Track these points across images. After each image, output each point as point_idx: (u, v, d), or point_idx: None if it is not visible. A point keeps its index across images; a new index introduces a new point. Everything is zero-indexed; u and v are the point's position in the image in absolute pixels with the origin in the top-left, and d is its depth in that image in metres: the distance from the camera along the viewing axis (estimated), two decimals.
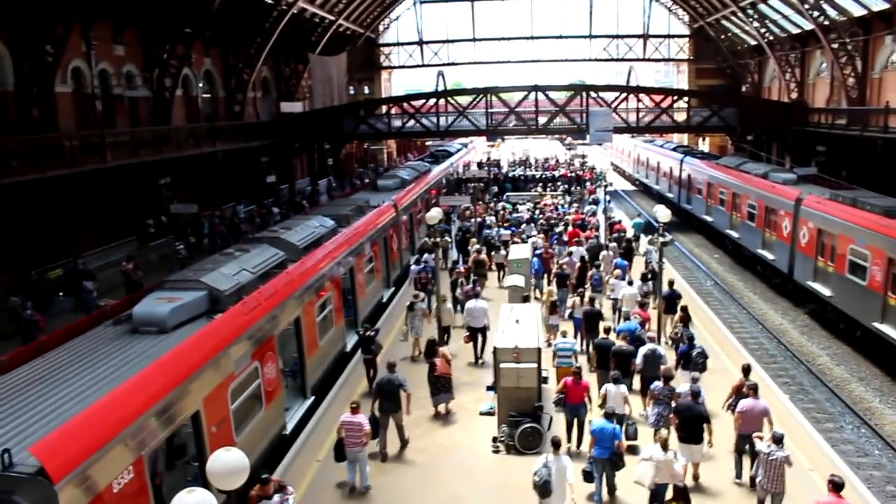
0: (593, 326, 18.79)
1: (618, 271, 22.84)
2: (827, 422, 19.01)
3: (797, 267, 28.15)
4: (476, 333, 19.47)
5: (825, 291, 25.41)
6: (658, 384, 14.14)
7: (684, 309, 19.16)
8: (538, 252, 25.69)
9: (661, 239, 19.13)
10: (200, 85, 41.13)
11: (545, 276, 25.33)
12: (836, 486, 10.00)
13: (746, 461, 13.07)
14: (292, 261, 17.37)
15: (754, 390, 13.06)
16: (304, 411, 16.30)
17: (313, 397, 16.95)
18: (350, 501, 13.03)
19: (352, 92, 64.24)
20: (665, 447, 11.48)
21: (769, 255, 31.17)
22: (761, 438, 11.76)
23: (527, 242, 28.34)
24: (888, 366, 21.89)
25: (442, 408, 16.48)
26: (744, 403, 12.87)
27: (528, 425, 14.32)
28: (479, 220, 35.38)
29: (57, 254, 26.98)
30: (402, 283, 27.83)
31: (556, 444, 11.60)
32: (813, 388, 21.24)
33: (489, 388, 16.23)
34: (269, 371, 14.32)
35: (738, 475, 13.21)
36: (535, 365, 14.64)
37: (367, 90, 68.35)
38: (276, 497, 10.33)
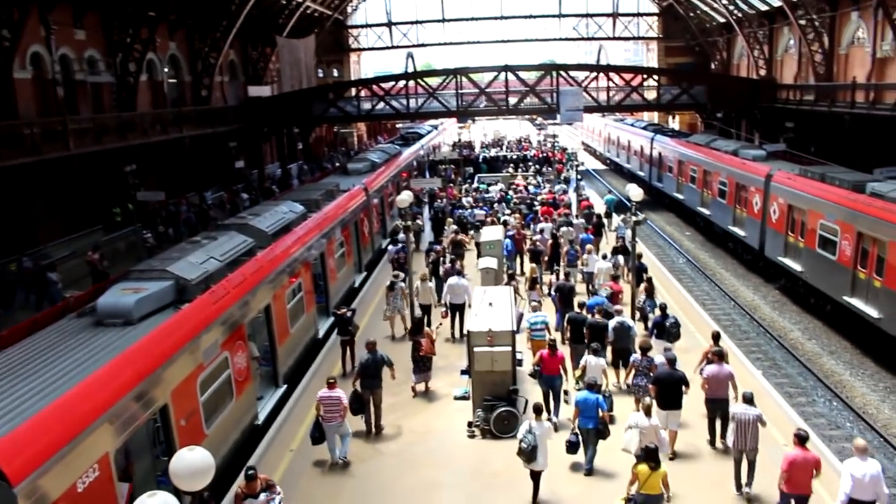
0: (568, 300, 19.07)
1: (590, 246, 23.39)
2: (799, 396, 19.19)
3: (768, 243, 28.35)
4: (455, 310, 19.71)
5: (796, 267, 25.61)
6: (637, 356, 14.53)
7: (649, 280, 19.83)
8: (510, 233, 25.58)
9: (633, 218, 19.12)
10: (166, 69, 40.35)
11: (518, 256, 25.36)
12: (801, 438, 10.49)
13: (718, 426, 13.42)
14: (261, 247, 17.10)
15: (719, 356, 13.45)
16: (277, 400, 16.09)
17: (285, 386, 16.74)
18: (325, 490, 12.86)
19: (321, 75, 63.58)
20: (648, 413, 11.86)
21: (740, 232, 31.37)
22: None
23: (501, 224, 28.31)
24: (858, 339, 22.16)
25: (421, 386, 16.57)
26: (709, 369, 13.28)
27: (503, 409, 14.21)
28: (452, 201, 35.19)
29: (20, 245, 26.33)
30: (374, 267, 27.64)
31: (537, 410, 12.04)
32: (785, 363, 21.42)
33: (463, 373, 16.10)
34: (240, 361, 14.08)
35: (713, 442, 13.55)
36: (510, 348, 14.52)
37: (336, 73, 67.67)
38: (263, 496, 9.95)
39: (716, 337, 14.90)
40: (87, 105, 32.69)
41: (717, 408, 13.25)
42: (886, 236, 19.89)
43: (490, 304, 15.93)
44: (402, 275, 20.83)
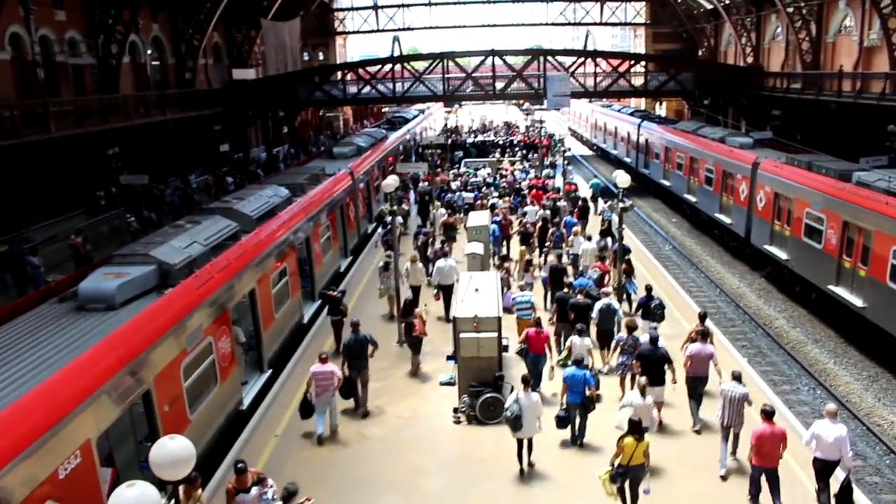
0: (558, 281, 19.42)
1: (576, 228, 23.97)
2: (784, 384, 19.25)
3: (754, 231, 28.41)
4: (445, 291, 20.00)
5: (781, 255, 25.67)
6: (622, 335, 14.83)
7: (628, 261, 20.25)
8: (497, 219, 25.61)
9: (620, 204, 19.11)
10: (149, 52, 39.76)
11: (504, 241, 25.42)
12: (768, 414, 10.94)
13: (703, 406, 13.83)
14: (246, 232, 16.96)
15: (702, 335, 13.86)
16: (262, 385, 15.99)
17: (270, 371, 16.65)
18: (311, 474, 12.77)
19: (306, 58, 62.94)
20: (643, 393, 12.08)
21: (726, 219, 31.41)
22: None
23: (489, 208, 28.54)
24: (842, 328, 22.24)
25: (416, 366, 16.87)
26: (692, 347, 13.70)
27: (489, 395, 14.19)
28: (441, 185, 35.33)
29: (0, 228, 25.96)
30: (360, 251, 27.54)
31: (525, 382, 12.42)
32: (770, 351, 21.50)
33: (449, 358, 16.08)
34: (224, 346, 13.96)
35: (696, 423, 13.79)
36: (496, 334, 14.49)
37: (321, 56, 67.07)
38: (255, 490, 9.71)
39: (702, 317, 15.23)
40: (68, 87, 32.17)
41: (696, 385, 13.66)
42: (871, 225, 19.94)
43: (476, 289, 15.87)
44: (397, 255, 20.96)
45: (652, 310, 16.85)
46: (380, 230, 26.81)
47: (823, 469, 10.88)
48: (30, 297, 13.77)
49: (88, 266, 15.97)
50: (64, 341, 10.55)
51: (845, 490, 10.76)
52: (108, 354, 10.19)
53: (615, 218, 20.87)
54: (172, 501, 7.91)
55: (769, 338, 22.37)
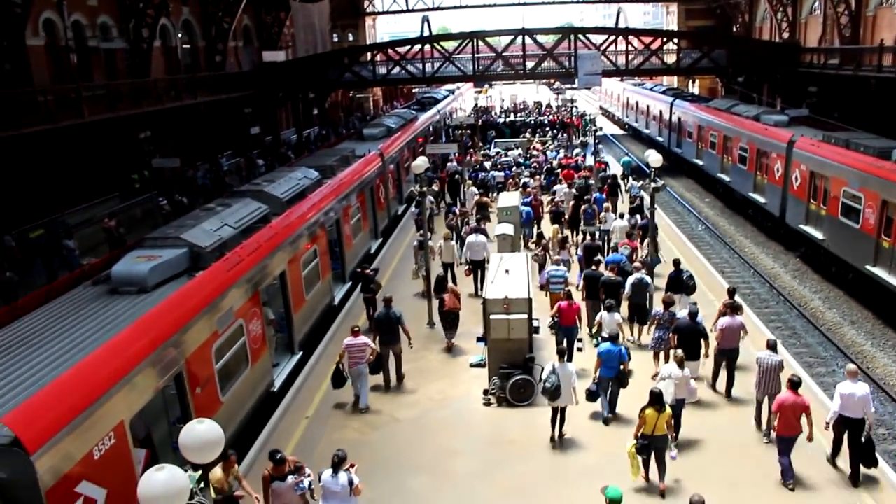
0: (591, 259, 19.49)
1: (607, 204, 24.32)
2: (819, 366, 18.95)
3: (789, 210, 27.92)
4: (476, 267, 20.23)
5: (817, 234, 25.20)
6: (659, 310, 14.98)
7: (653, 236, 20.29)
8: (527, 200, 25.49)
9: (653, 184, 18.84)
10: (179, 35, 40.02)
11: (535, 222, 25.33)
12: (794, 384, 11.23)
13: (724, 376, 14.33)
14: (276, 214, 17.01)
15: (732, 308, 14.26)
16: (293, 367, 16.10)
17: (301, 353, 16.75)
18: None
19: (335, 39, 62.93)
20: (681, 365, 12.27)
21: (761, 199, 30.90)
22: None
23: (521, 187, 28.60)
24: (880, 309, 21.79)
25: (449, 343, 17.09)
26: (723, 321, 14.06)
27: (519, 377, 14.15)
28: (474, 165, 35.42)
29: (37, 213, 26.37)
30: (390, 233, 27.58)
31: (560, 353, 12.88)
32: (805, 333, 21.15)
33: (479, 340, 16.06)
34: (255, 328, 14.05)
35: (713, 383, 14.44)
36: (526, 316, 14.42)
37: (351, 37, 67.02)
38: (291, 478, 9.71)
39: (731, 292, 15.45)
40: (100, 72, 32.52)
41: (727, 357, 13.99)
42: None
43: (507, 271, 15.81)
44: (430, 234, 20.98)
45: (684, 281, 16.98)
46: (413, 209, 27.37)
47: (847, 427, 11.19)
48: (64, 279, 13.95)
49: (121, 249, 16.17)
50: (97, 324, 10.67)
51: (867, 445, 11.15)
52: (141, 337, 10.29)
53: (647, 197, 20.72)
54: (202, 483, 8.00)
55: (804, 319, 22.01)
